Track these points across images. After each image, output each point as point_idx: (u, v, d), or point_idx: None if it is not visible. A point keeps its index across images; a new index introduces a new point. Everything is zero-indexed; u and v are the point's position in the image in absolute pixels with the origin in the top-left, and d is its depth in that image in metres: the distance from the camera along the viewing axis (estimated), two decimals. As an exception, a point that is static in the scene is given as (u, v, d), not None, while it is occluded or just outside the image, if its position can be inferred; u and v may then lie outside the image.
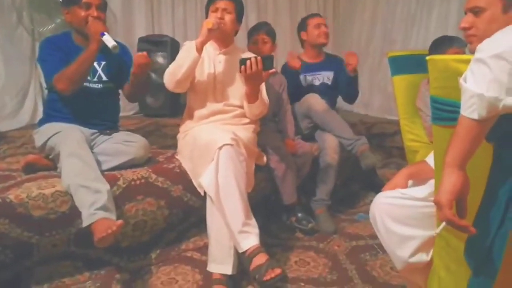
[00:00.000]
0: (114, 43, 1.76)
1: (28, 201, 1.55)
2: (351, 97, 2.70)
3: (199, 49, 1.82)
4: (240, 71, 1.78)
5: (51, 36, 2.04)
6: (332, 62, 2.68)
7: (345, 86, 2.59)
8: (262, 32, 2.35)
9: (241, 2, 2.04)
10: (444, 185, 0.92)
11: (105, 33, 1.77)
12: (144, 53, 1.80)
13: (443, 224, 0.94)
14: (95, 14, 1.84)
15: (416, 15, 3.58)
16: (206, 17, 1.99)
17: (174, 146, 2.12)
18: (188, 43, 1.91)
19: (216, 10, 1.94)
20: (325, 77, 2.64)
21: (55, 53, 1.83)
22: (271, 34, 2.36)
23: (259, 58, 1.76)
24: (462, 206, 0.93)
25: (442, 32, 3.19)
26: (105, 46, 1.78)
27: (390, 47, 3.74)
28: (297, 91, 2.54)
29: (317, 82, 2.64)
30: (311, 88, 2.59)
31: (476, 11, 1.16)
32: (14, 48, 2.84)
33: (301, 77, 2.62)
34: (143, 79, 1.92)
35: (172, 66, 1.88)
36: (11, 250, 1.54)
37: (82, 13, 1.83)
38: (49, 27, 2.77)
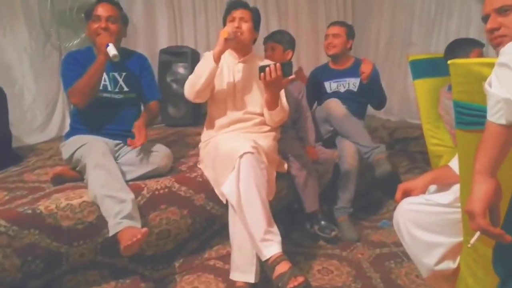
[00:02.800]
0: (115, 52, 1.79)
1: (57, 212, 1.59)
2: (377, 104, 2.68)
3: (217, 59, 1.84)
4: (260, 78, 1.79)
5: (73, 51, 2.10)
6: (359, 66, 2.65)
7: (368, 93, 2.58)
8: (271, 39, 2.37)
9: (258, 11, 2.07)
10: (476, 193, 0.90)
11: (110, 44, 1.81)
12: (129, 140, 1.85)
13: (478, 234, 0.92)
14: (103, 26, 1.89)
15: (436, 18, 3.53)
16: (224, 21, 2.03)
17: (196, 155, 2.15)
18: (207, 53, 1.94)
19: (233, 20, 1.96)
20: (351, 83, 2.62)
21: (74, 68, 1.89)
22: (282, 41, 2.36)
23: (278, 64, 1.76)
24: (495, 214, 0.91)
25: (463, 35, 3.15)
26: (125, 57, 1.84)
27: (410, 51, 3.69)
28: (322, 98, 2.54)
29: (342, 89, 2.62)
30: (336, 95, 2.57)
31: (505, 10, 1.13)
32: (43, 64, 2.94)
33: (326, 84, 2.63)
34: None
35: (191, 77, 1.91)
36: (41, 260, 1.58)
37: (93, 26, 1.90)
38: (75, 42, 2.86)
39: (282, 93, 1.99)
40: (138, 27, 3.38)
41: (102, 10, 1.90)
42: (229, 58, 2.04)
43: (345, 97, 2.56)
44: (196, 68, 1.93)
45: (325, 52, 2.66)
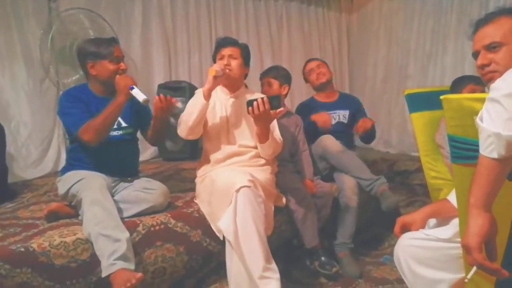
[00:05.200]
0: (145, 97, 1.80)
1: (50, 250, 1.56)
2: (367, 138, 2.71)
3: (207, 96, 1.87)
4: (248, 112, 1.80)
5: (70, 89, 2.08)
6: (347, 101, 2.71)
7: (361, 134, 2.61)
8: (268, 75, 2.42)
9: (247, 47, 2.10)
10: (471, 227, 0.89)
11: (134, 86, 1.82)
12: (161, 96, 1.85)
13: (474, 268, 0.91)
14: (124, 67, 1.91)
15: (432, 52, 3.61)
16: (214, 59, 2.07)
17: (193, 189, 2.13)
18: (199, 90, 1.97)
19: (222, 58, 2.00)
20: (341, 115, 2.66)
21: (77, 105, 1.86)
22: (278, 76, 2.40)
23: (265, 98, 1.78)
24: (492, 248, 0.90)
25: (459, 68, 3.21)
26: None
27: (407, 84, 3.75)
28: (314, 132, 2.55)
29: (332, 121, 2.64)
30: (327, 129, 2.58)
31: (494, 47, 1.15)
32: (40, 100, 2.98)
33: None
34: (164, 122, 1.97)
35: (183, 115, 1.94)
36: (32, 300, 1.53)
37: (111, 67, 1.88)
38: (74, 78, 2.91)
39: (275, 125, 2.00)
40: (137, 64, 3.45)
41: (119, 51, 1.92)
42: (221, 94, 2.06)
43: (336, 130, 2.56)
44: (188, 105, 1.95)
45: (316, 84, 2.70)
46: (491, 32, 1.15)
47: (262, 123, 1.85)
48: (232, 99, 2.05)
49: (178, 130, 1.95)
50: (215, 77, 1.86)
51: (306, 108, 2.69)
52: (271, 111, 1.80)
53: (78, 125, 1.79)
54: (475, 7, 3.19)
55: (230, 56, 1.99)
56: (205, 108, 1.90)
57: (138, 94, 1.80)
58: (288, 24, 4.23)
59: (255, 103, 1.77)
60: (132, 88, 1.81)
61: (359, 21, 4.52)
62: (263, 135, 1.89)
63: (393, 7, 3.99)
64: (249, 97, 1.92)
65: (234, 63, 2.00)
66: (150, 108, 2.10)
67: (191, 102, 1.95)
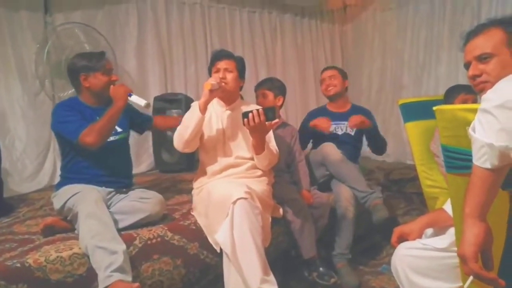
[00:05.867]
0: (145, 101, 1.94)
1: (46, 265, 1.54)
2: (376, 149, 2.74)
3: (202, 110, 1.88)
4: (244, 124, 1.81)
5: (63, 101, 2.15)
6: (357, 113, 2.67)
7: (367, 138, 2.65)
8: (262, 87, 2.44)
9: (242, 59, 2.12)
10: (467, 237, 0.90)
11: (132, 93, 1.95)
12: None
13: (471, 278, 0.91)
14: (115, 78, 2.00)
15: (425, 62, 3.65)
16: (209, 71, 2.08)
17: (190, 201, 2.13)
18: (194, 103, 1.98)
19: (217, 71, 2.00)
20: (348, 127, 2.65)
21: (73, 113, 1.91)
22: (273, 88, 2.42)
23: (260, 110, 1.79)
24: (488, 257, 0.91)
25: (453, 77, 3.25)
26: (111, 102, 1.93)
27: (401, 94, 3.79)
28: (318, 140, 2.57)
29: (340, 132, 2.65)
30: (333, 137, 2.59)
31: (484, 58, 1.17)
32: (35, 113, 2.98)
33: None
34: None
35: (179, 128, 1.94)
36: (27, 316, 1.52)
37: (104, 78, 1.96)
38: (69, 92, 2.90)
39: (270, 136, 2.01)
40: (132, 77, 3.46)
41: (110, 64, 2.03)
42: (217, 106, 2.07)
43: (342, 140, 2.58)
44: (184, 119, 1.96)
45: (325, 95, 2.71)
46: (482, 44, 1.17)
47: (257, 134, 1.85)
48: (228, 111, 2.06)
49: (174, 143, 1.96)
50: (211, 91, 1.87)
51: (315, 116, 2.69)
52: (266, 123, 1.81)
53: (79, 131, 1.83)
54: (467, 18, 3.24)
55: (226, 69, 2.00)
56: (201, 122, 1.90)
57: (138, 100, 1.94)
58: (282, 36, 4.26)
59: (250, 114, 1.78)
60: (131, 95, 1.93)
61: (353, 32, 4.57)
62: (259, 146, 1.90)
63: (387, 18, 4.05)
64: (245, 108, 1.94)
65: (230, 76, 2.01)
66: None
67: (187, 115, 1.96)
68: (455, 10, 3.38)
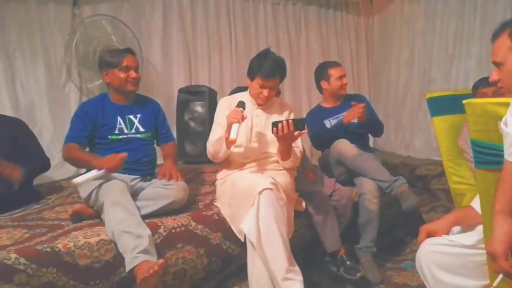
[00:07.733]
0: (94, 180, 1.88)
1: (75, 250, 1.60)
2: (374, 131, 2.71)
3: (229, 146, 1.87)
4: (273, 132, 1.81)
5: (87, 101, 2.27)
6: (351, 101, 2.62)
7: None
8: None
9: (284, 66, 2.06)
10: (497, 234, 0.88)
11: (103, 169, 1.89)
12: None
13: (500, 276, 0.89)
14: (133, 76, 2.06)
15: (455, 54, 3.55)
16: (250, 76, 2.00)
17: (213, 192, 2.15)
18: (223, 101, 2.01)
19: (263, 87, 1.96)
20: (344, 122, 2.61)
21: (82, 121, 2.03)
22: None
23: (290, 121, 1.79)
24: None
25: (484, 71, 3.14)
26: (139, 101, 2.09)
27: (430, 87, 3.70)
28: (326, 137, 2.56)
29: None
30: (341, 131, 2.55)
31: (497, 65, 1.16)
32: (62, 104, 3.07)
33: (326, 122, 2.66)
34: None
35: (211, 149, 1.96)
36: (57, 299, 1.57)
37: (121, 75, 2.04)
38: (97, 83, 2.97)
39: (298, 140, 2.00)
40: (158, 70, 3.50)
41: (131, 61, 2.07)
42: (248, 103, 2.06)
43: (347, 130, 2.53)
44: (213, 141, 1.95)
45: (337, 93, 2.68)
46: (495, 50, 1.16)
47: (285, 142, 1.86)
48: (259, 110, 2.07)
49: (208, 156, 2.00)
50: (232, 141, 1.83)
51: (316, 117, 2.70)
52: (295, 133, 1.81)
53: (69, 140, 2.01)
54: (499, 9, 3.13)
55: (272, 88, 1.98)
56: (228, 150, 1.91)
57: (96, 176, 1.87)
58: (307, 28, 4.21)
59: (280, 125, 1.78)
60: (101, 170, 1.87)
61: (379, 24, 4.48)
62: (285, 153, 1.91)
63: (414, 9, 3.95)
64: (277, 109, 1.99)
65: (272, 93, 2.01)
66: (169, 127, 2.32)
67: (216, 129, 2.00)
68: (487, 1, 3.26)
